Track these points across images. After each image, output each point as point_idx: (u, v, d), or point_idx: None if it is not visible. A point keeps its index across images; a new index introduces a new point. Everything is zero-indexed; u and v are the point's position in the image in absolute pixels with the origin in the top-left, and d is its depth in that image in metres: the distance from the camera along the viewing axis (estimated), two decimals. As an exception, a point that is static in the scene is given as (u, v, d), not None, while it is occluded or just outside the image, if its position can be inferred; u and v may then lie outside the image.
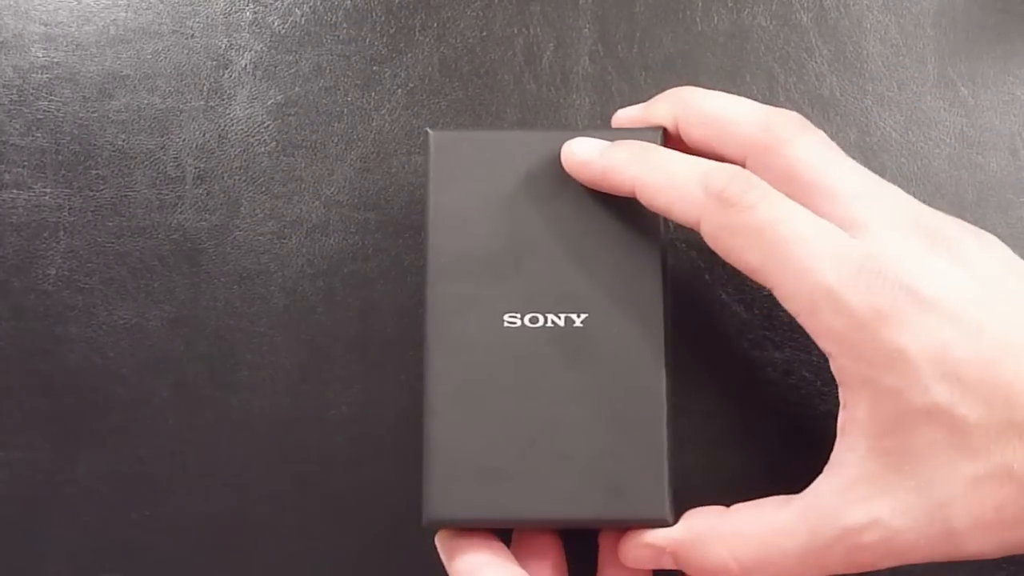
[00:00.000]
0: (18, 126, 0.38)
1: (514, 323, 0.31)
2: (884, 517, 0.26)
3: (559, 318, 0.31)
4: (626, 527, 0.31)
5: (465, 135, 0.33)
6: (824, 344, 0.28)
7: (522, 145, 0.32)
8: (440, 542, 0.31)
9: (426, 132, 0.33)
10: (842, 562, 0.27)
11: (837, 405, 0.36)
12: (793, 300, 0.28)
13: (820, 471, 0.36)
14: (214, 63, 0.39)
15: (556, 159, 0.32)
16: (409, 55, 0.39)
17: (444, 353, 0.31)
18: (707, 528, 0.30)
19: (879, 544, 0.27)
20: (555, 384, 0.31)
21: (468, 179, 0.32)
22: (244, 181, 0.38)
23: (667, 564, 0.30)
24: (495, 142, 0.32)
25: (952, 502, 0.26)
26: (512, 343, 0.31)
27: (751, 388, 0.36)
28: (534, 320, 0.31)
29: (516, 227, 0.32)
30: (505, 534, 0.32)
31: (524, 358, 0.31)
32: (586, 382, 0.31)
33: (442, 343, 0.31)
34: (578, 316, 0.31)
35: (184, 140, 0.38)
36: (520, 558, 0.31)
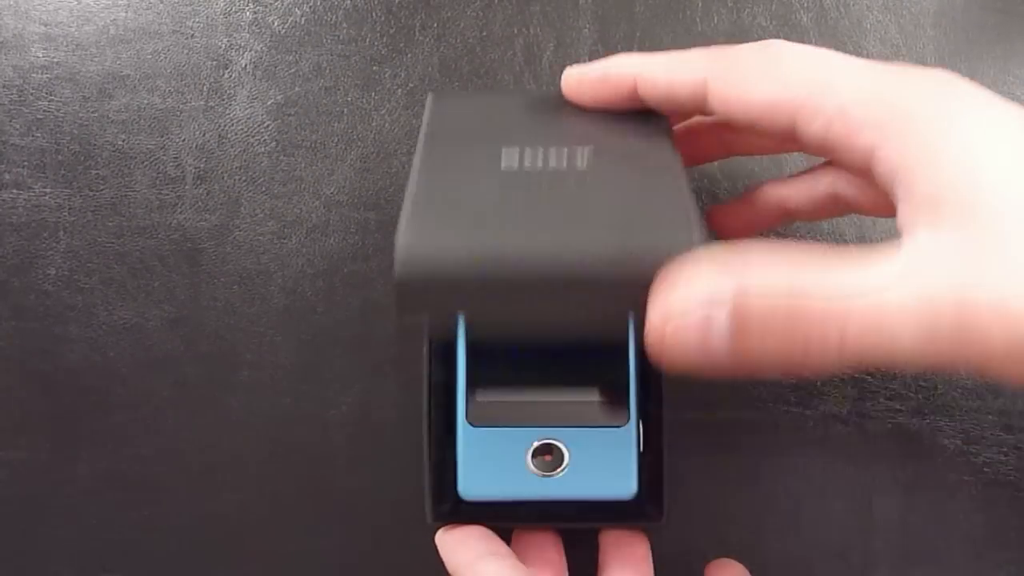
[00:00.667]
0: (18, 126, 0.38)
1: (512, 167, 0.27)
2: (992, 277, 0.22)
3: (563, 154, 0.27)
4: (647, 280, 0.23)
5: (463, 93, 0.32)
6: (865, 138, 0.24)
7: (520, 97, 0.32)
8: (439, 538, 0.31)
9: (427, 94, 0.32)
10: (952, 335, 0.21)
11: (837, 405, 0.36)
12: (819, 113, 0.25)
13: (820, 470, 0.36)
14: (214, 63, 0.39)
15: (554, 103, 0.31)
16: (409, 55, 0.39)
17: (431, 176, 0.27)
18: (793, 284, 0.22)
19: (994, 307, 0.21)
20: (560, 186, 0.26)
21: (464, 115, 0.30)
22: (244, 181, 0.38)
23: (718, 338, 0.22)
24: (493, 96, 0.32)
25: None
26: (510, 182, 0.27)
27: (751, 388, 0.36)
28: (534, 159, 0.27)
29: (514, 123, 0.30)
30: (505, 537, 0.32)
31: (523, 195, 0.26)
32: (595, 186, 0.26)
33: (430, 173, 0.27)
34: (582, 152, 0.28)
35: (184, 140, 0.38)
36: (521, 560, 0.31)
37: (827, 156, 0.27)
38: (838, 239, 0.37)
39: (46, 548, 0.36)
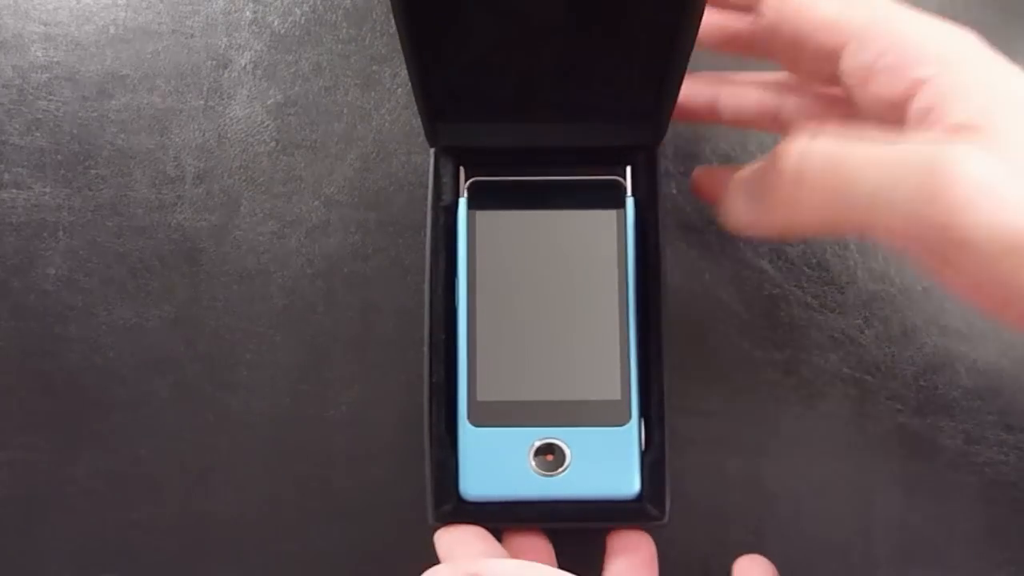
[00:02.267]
0: (18, 126, 0.38)
1: None
2: None
3: None
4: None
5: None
6: (919, 71, 0.27)
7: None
8: (437, 537, 0.31)
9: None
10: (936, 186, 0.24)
11: (837, 405, 0.36)
12: (875, 41, 0.27)
13: (819, 471, 0.36)
14: (214, 63, 0.39)
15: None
16: (409, 55, 0.39)
17: None
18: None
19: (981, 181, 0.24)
20: None
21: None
22: (244, 181, 0.38)
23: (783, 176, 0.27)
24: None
25: None
26: None
27: (751, 388, 0.36)
28: None
29: None
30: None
31: None
32: None
33: None
34: None
35: (184, 140, 0.38)
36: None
37: (859, 83, 0.28)
38: (842, 248, 0.37)
39: (46, 548, 0.36)
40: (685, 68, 0.29)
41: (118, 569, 0.35)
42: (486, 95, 0.33)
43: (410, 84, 0.30)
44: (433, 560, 0.31)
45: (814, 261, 0.37)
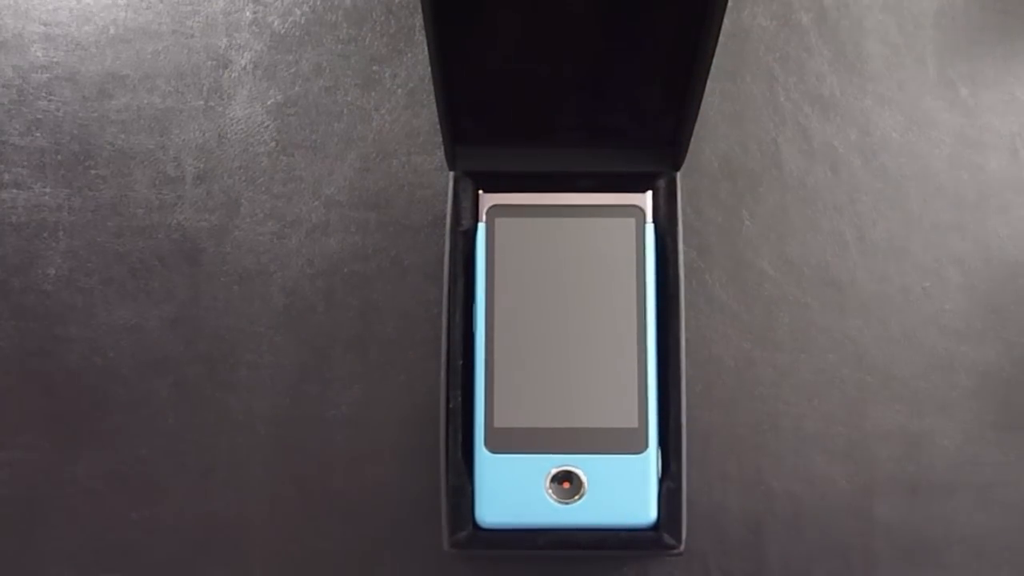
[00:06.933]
0: (18, 126, 0.38)
1: None
2: None
3: None
4: None
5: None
6: None
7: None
8: None
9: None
10: None
11: (837, 405, 0.36)
12: None
13: (819, 471, 0.36)
14: (214, 63, 0.39)
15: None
16: (409, 55, 0.39)
17: None
18: None
19: None
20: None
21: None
22: (244, 181, 0.38)
23: None
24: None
25: None
26: None
27: (751, 388, 0.36)
28: None
29: None
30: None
31: None
32: None
33: None
34: None
35: (184, 140, 0.38)
36: None
37: None
38: (838, 238, 0.37)
39: (46, 548, 0.36)
40: (703, 92, 0.29)
41: (118, 569, 0.35)
42: (506, 118, 0.32)
43: (435, 105, 0.30)
44: (431, 560, 0.31)
45: (814, 261, 0.37)
